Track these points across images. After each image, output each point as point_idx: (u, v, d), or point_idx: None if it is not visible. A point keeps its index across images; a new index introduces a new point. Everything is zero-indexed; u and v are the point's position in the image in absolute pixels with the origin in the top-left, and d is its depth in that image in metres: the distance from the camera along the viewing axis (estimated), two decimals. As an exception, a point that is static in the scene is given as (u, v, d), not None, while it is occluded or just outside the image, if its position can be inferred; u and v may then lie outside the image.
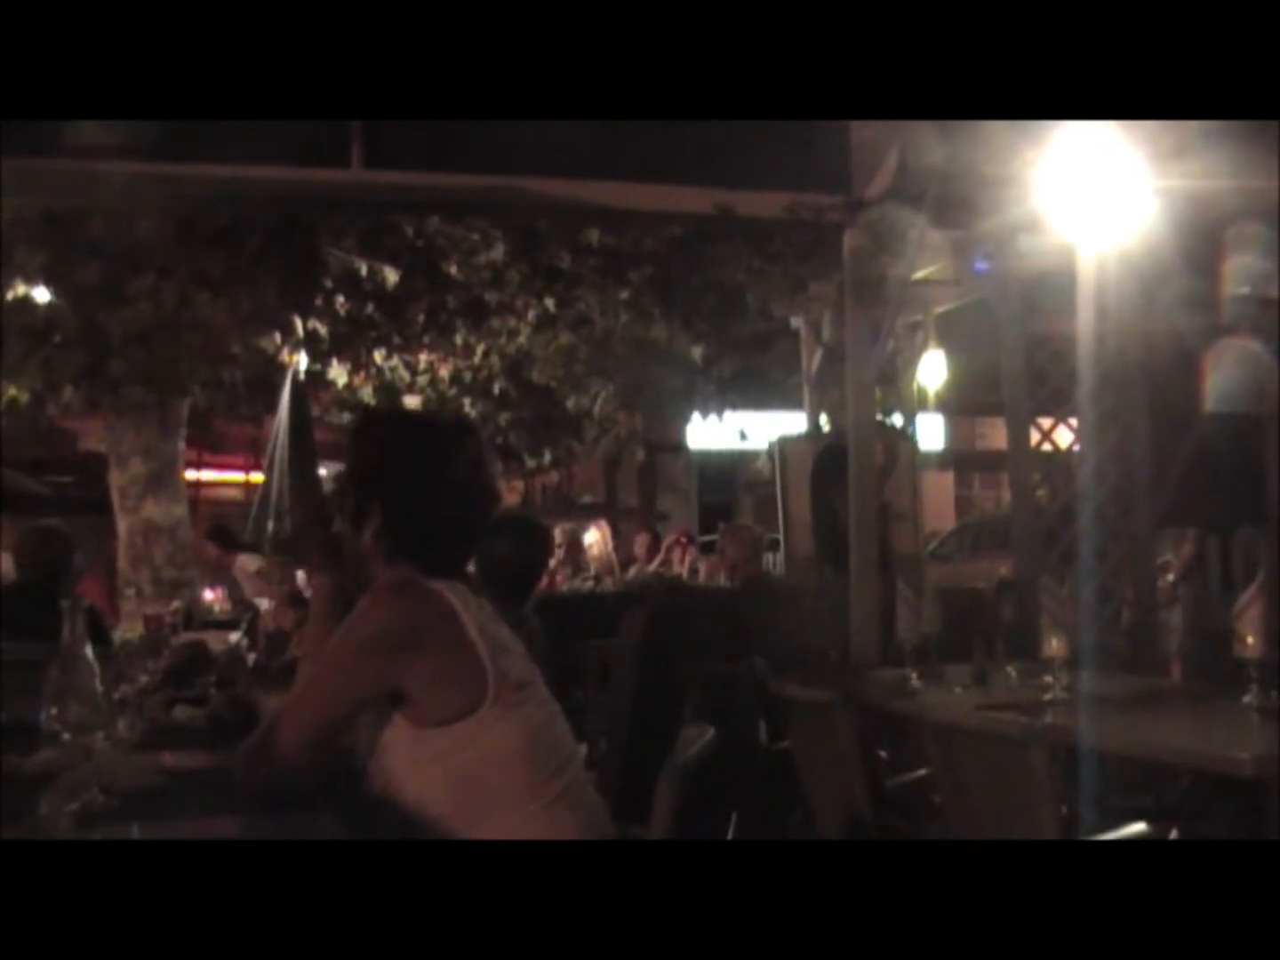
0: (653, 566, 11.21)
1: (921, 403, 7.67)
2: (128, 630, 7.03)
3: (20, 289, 8.39)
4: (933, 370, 7.91)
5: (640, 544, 12.36)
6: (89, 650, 2.29)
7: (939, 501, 18.81)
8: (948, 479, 20.96)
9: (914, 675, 4.43)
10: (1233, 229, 5.24)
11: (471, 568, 3.26)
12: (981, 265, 5.82)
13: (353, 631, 2.32)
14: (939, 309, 7.28)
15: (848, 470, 5.63)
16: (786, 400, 10.67)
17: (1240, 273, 5.28)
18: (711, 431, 14.84)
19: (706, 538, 12.98)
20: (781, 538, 7.57)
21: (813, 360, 7.80)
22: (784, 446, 7.48)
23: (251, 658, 6.16)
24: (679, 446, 17.57)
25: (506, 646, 2.36)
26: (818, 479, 6.52)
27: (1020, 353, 5.77)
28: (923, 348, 7.46)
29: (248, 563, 9.11)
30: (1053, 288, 5.50)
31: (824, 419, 7.61)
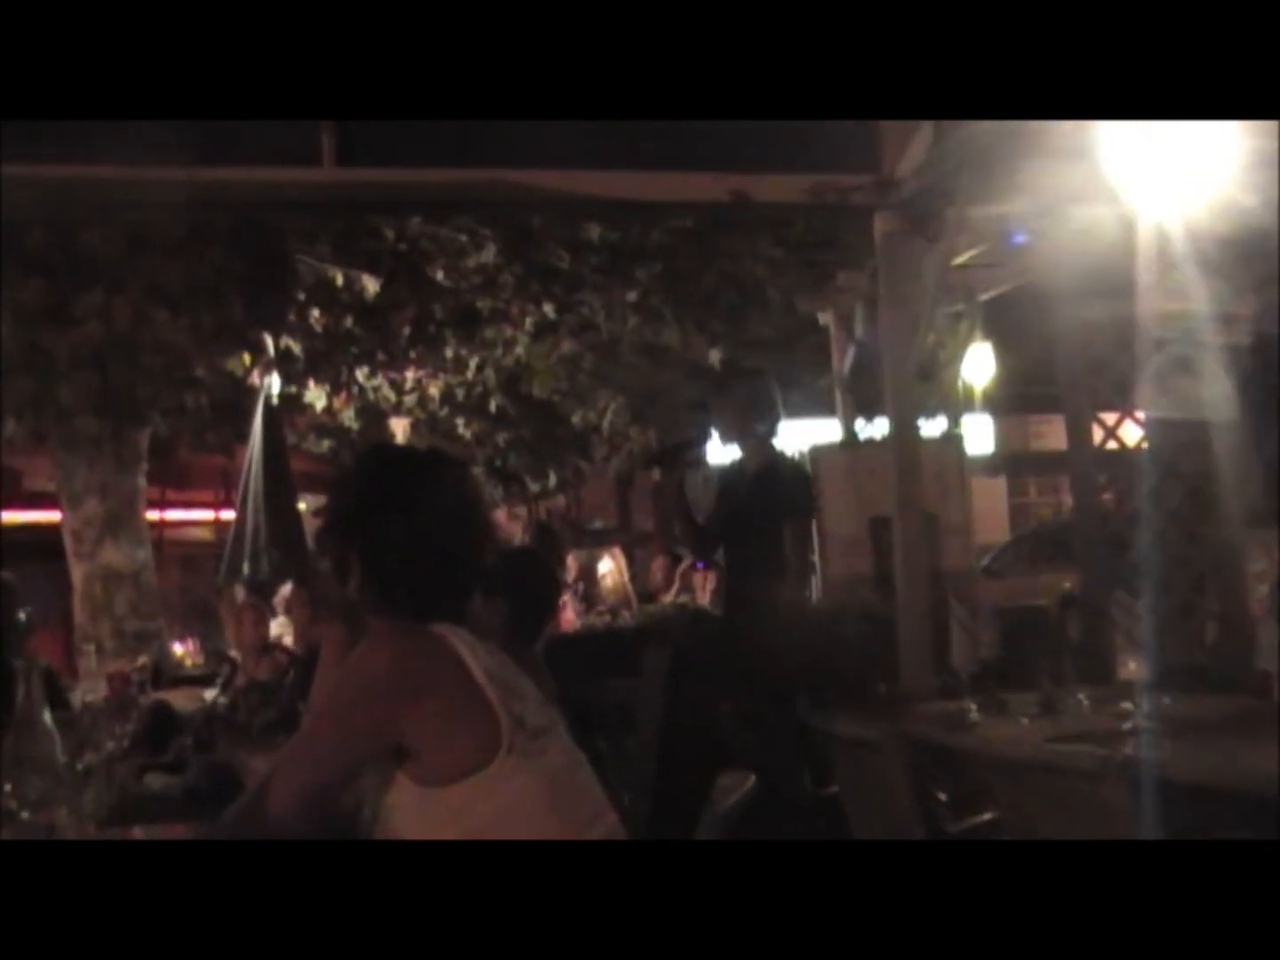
0: (670, 596, 11.17)
1: (968, 401, 7.66)
2: (89, 691, 7.02)
3: (-50, 312, 8.37)
4: (979, 364, 7.90)
5: (659, 572, 12.32)
6: (47, 716, 2.29)
7: (991, 511, 18.78)
8: (1000, 485, 20.91)
9: (973, 706, 4.42)
10: None
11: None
12: (1019, 238, 5.81)
13: (347, 682, 2.34)
14: (984, 295, 7.27)
15: (756, 494, 5.71)
16: (816, 405, 10.65)
17: None
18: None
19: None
20: (818, 558, 7.55)
21: (844, 359, 7.78)
22: (817, 457, 7.47)
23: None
24: (698, 461, 17.57)
25: (520, 691, 2.36)
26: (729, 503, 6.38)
27: (1078, 340, 5.76)
28: (967, 340, 7.44)
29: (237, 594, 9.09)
30: (1112, 266, 5.48)
31: (860, 424, 7.61)
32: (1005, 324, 7.72)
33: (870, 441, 7.38)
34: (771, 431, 6.09)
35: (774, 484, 5.83)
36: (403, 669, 2.29)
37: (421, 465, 2.56)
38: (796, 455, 6.85)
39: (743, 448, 6.11)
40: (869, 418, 7.71)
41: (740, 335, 10.63)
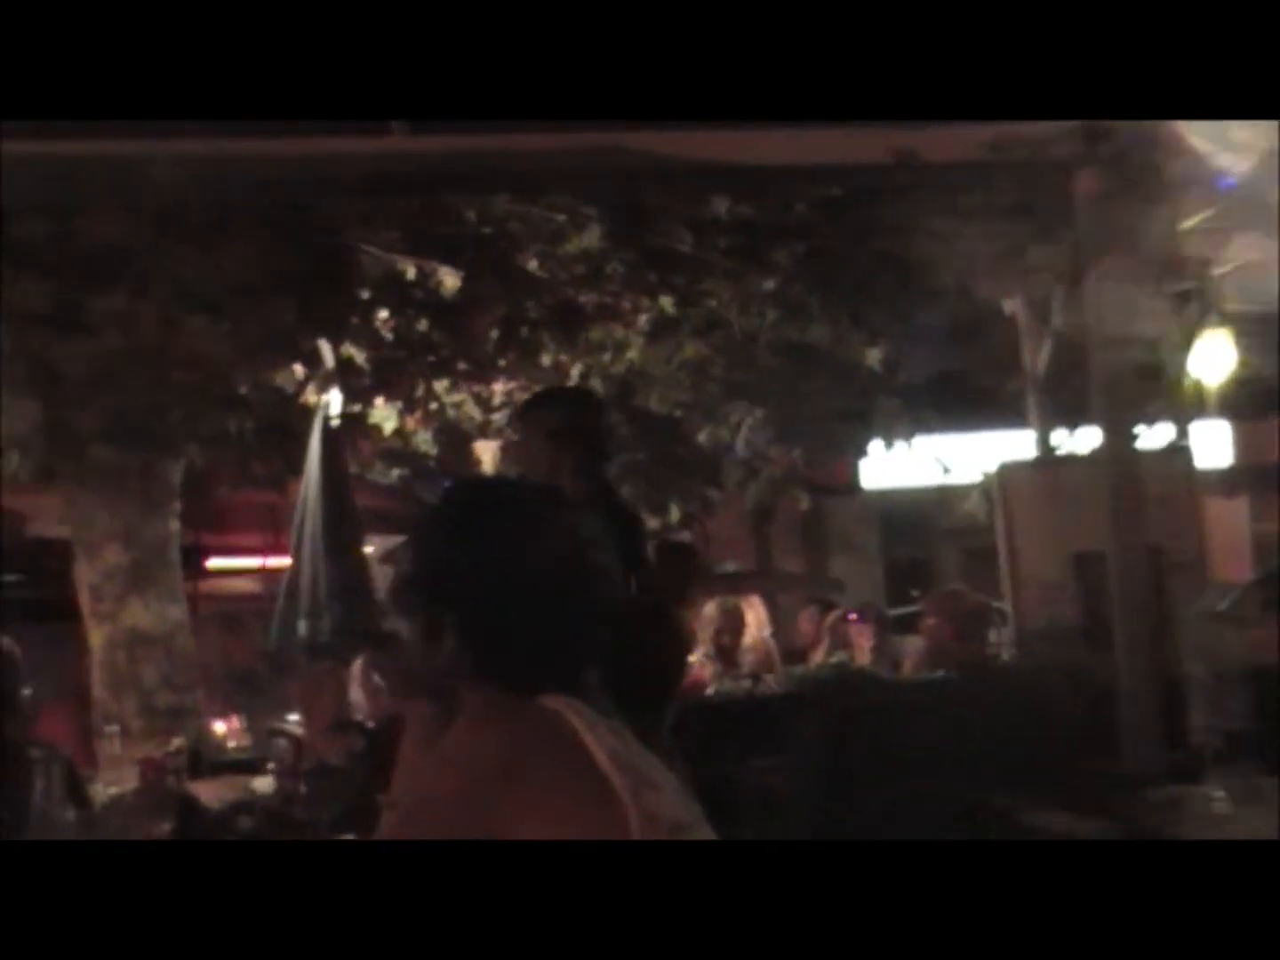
0: (821, 654, 11.14)
1: (1199, 403, 7.56)
2: (112, 782, 7.12)
3: (-63, 321, 8.48)
4: (1214, 356, 7.79)
5: (807, 624, 12.31)
6: (70, 815, 2.33)
7: (1230, 541, 18.45)
8: (1241, 509, 20.59)
9: (1218, 793, 4.35)
10: None
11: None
12: (1229, 181, 5.72)
13: (440, 771, 2.34)
14: (1220, 269, 7.18)
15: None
16: (1003, 413, 10.57)
17: None
18: (898, 464, 14.76)
19: (897, 611, 12.87)
20: (1009, 605, 7.50)
21: (1038, 355, 7.74)
22: (1005, 478, 7.44)
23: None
24: (853, 488, 17.48)
25: (651, 777, 2.35)
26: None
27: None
28: (1199, 326, 7.36)
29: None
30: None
31: (1060, 436, 7.56)
32: (1248, 304, 7.60)
33: (1074, 458, 7.35)
34: (595, 467, 5.65)
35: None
36: (509, 753, 2.28)
37: (526, 501, 2.57)
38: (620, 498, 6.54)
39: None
40: (1071, 428, 7.66)
41: (905, 329, 10.56)
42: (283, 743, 7.48)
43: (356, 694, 7.67)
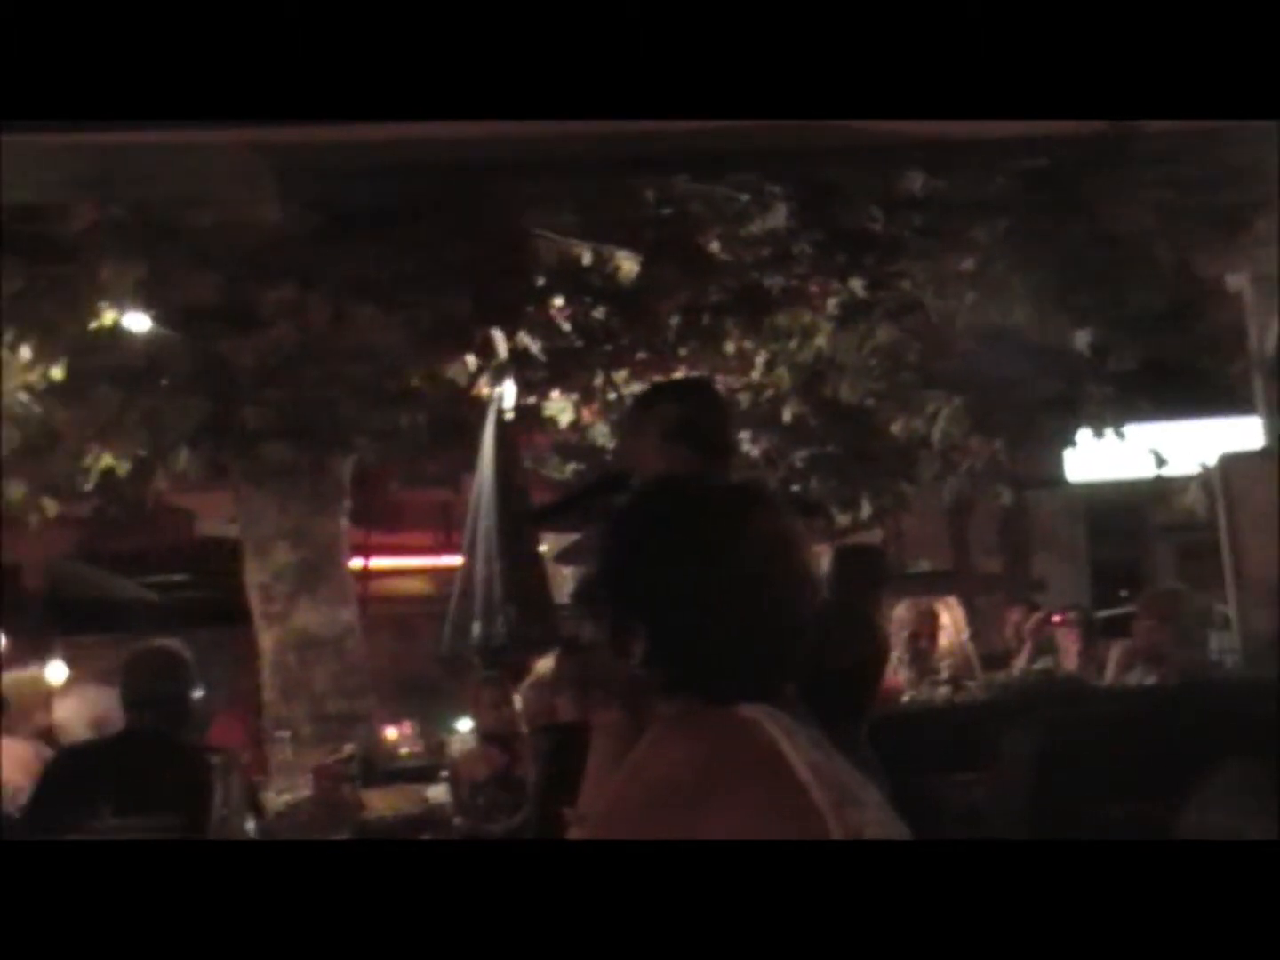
0: (1024, 659, 11.03)
1: None
2: (284, 790, 7.22)
3: (108, 317, 8.57)
4: None
5: (1012, 627, 12.19)
6: (250, 826, 2.36)
7: None
8: None
9: None
10: None
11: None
12: None
13: (632, 785, 2.33)
14: None
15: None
16: (1226, 400, 10.36)
17: None
18: (1108, 455, 14.54)
19: (1106, 613, 12.68)
20: (1232, 609, 7.36)
21: (1265, 336, 7.59)
22: (1228, 470, 7.31)
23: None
24: (1059, 481, 17.23)
25: (855, 793, 2.32)
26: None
27: None
28: None
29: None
30: None
31: None
32: None
33: (1306, 447, 7.20)
34: (714, 470, 5.29)
35: None
36: (704, 766, 2.26)
37: (722, 498, 2.55)
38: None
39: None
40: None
41: (1117, 310, 10.36)
42: (468, 749, 7.52)
43: (533, 700, 7.70)
